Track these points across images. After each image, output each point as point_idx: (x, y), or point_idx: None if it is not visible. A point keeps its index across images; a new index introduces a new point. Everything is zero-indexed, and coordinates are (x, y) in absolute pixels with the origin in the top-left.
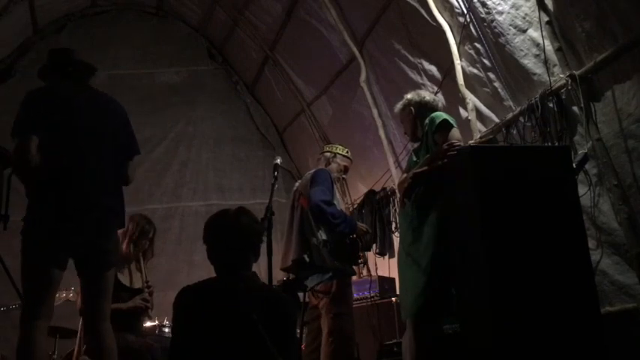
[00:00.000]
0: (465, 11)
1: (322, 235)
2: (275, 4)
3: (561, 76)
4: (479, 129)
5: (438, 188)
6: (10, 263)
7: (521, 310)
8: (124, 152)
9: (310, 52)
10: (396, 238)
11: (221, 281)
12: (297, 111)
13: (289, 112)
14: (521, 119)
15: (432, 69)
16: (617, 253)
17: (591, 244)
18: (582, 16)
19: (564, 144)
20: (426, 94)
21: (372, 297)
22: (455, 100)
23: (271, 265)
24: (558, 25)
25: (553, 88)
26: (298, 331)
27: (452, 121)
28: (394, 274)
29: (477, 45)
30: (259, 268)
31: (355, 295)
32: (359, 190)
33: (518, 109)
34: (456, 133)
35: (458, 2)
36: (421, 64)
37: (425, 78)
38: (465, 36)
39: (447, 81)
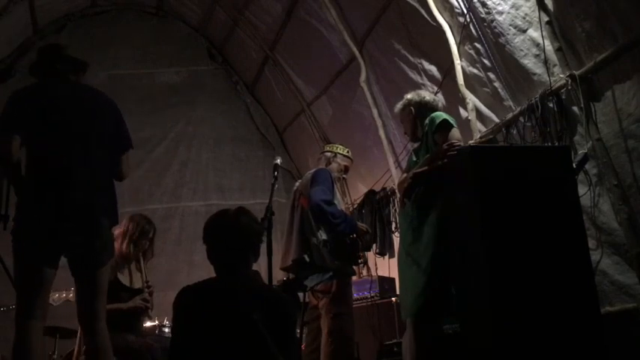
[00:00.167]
0: (465, 11)
1: (322, 235)
2: (275, 4)
3: (561, 76)
4: (479, 129)
5: (438, 188)
6: (10, 263)
7: (521, 310)
8: (116, 147)
9: (310, 52)
10: (396, 238)
11: (221, 281)
12: (297, 111)
13: (289, 112)
14: (521, 119)
15: (432, 69)
16: (617, 253)
17: (591, 244)
18: (582, 16)
19: (564, 144)
20: (426, 94)
21: (372, 297)
22: (455, 100)
23: (271, 265)
24: (558, 25)
25: (553, 88)
26: (298, 331)
27: (452, 121)
28: (394, 274)
29: (477, 45)
30: (259, 268)
31: (355, 295)
32: (359, 190)
33: (518, 109)
34: (456, 133)
35: (458, 2)
36: (421, 64)
37: (425, 78)
38: (465, 36)
39: (447, 81)
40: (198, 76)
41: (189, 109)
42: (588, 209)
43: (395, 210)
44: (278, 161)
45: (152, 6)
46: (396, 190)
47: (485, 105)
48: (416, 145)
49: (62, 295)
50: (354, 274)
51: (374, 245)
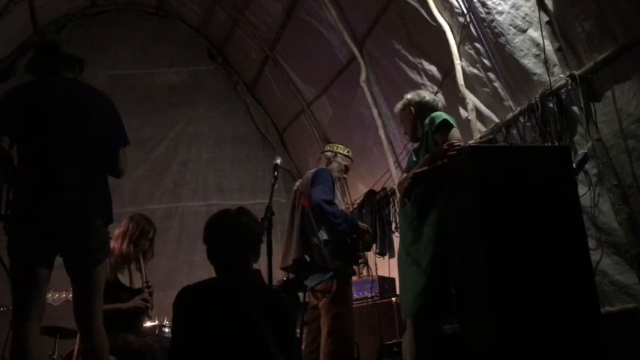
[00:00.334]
0: (465, 11)
1: (323, 235)
2: (275, 4)
3: (561, 76)
4: (479, 129)
5: (438, 188)
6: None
7: (521, 310)
8: (111, 144)
9: (310, 52)
10: (396, 238)
11: (221, 281)
12: (297, 111)
13: (289, 112)
14: (521, 119)
15: (432, 69)
16: (617, 253)
17: (591, 244)
18: (582, 16)
19: (564, 144)
20: (426, 94)
21: (372, 297)
22: (455, 100)
23: (271, 265)
24: (558, 25)
25: (553, 88)
26: (298, 331)
27: (452, 121)
28: (394, 274)
29: (477, 45)
30: (259, 268)
31: (355, 295)
32: (359, 190)
33: (518, 109)
34: (456, 133)
35: (458, 2)
36: (421, 64)
37: (425, 78)
38: (465, 36)
39: (447, 81)
40: (198, 76)
41: (189, 109)
42: (588, 209)
43: (395, 210)
44: (278, 161)
45: (152, 6)
46: (396, 190)
47: (485, 105)
48: (416, 145)
49: (62, 295)
50: (354, 274)
51: (374, 245)
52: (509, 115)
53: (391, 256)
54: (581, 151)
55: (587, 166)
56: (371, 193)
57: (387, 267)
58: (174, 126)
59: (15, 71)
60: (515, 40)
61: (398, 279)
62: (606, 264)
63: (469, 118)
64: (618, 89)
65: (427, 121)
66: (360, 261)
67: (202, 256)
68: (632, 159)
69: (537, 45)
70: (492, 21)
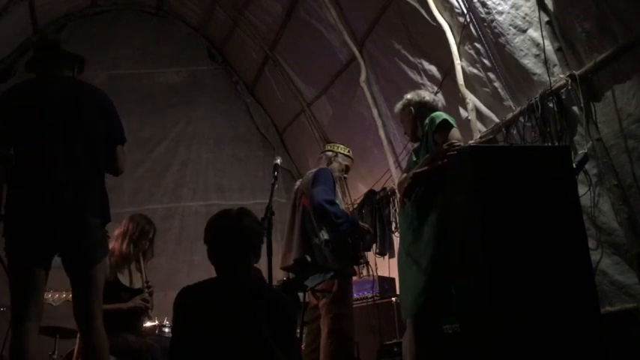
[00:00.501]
0: (465, 11)
1: (324, 235)
2: (275, 4)
3: (561, 76)
4: (479, 129)
5: (438, 188)
6: None
7: (521, 310)
8: (108, 142)
9: (310, 52)
10: (396, 238)
11: (222, 281)
12: (297, 111)
13: (289, 112)
14: (521, 119)
15: (432, 69)
16: (617, 253)
17: (591, 244)
18: (582, 16)
19: (564, 144)
20: (426, 94)
21: (372, 297)
22: (455, 100)
23: (271, 265)
24: (558, 25)
25: (553, 88)
26: (298, 331)
27: (452, 121)
28: (394, 274)
29: (477, 45)
30: (259, 268)
31: (355, 295)
32: (359, 190)
33: (518, 109)
34: (456, 133)
35: (458, 2)
36: (421, 64)
37: (425, 78)
38: (465, 36)
39: (447, 81)
40: (198, 76)
41: (189, 109)
42: (588, 209)
43: (395, 210)
44: (278, 161)
45: (152, 6)
46: (396, 190)
47: (485, 105)
48: (416, 145)
49: (62, 295)
50: (354, 274)
51: (374, 245)
52: (509, 115)
53: (391, 256)
54: (581, 151)
55: (587, 166)
56: (371, 193)
57: (387, 267)
58: (174, 126)
59: (15, 71)
60: (515, 40)
61: (398, 279)
62: (606, 264)
63: (469, 118)
64: (618, 89)
65: (427, 121)
66: (361, 261)
67: (202, 256)
68: (632, 159)
69: (537, 45)
70: (492, 21)
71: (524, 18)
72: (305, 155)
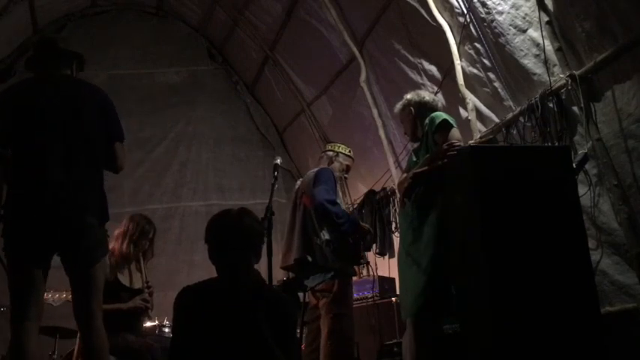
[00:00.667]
0: (465, 11)
1: (325, 235)
2: (275, 4)
3: (561, 76)
4: (479, 129)
5: (438, 188)
6: None
7: (521, 310)
8: (107, 140)
9: (310, 52)
10: (396, 238)
11: (222, 281)
12: (297, 111)
13: (289, 112)
14: (521, 119)
15: (432, 69)
16: (617, 253)
17: (591, 244)
18: (582, 16)
19: (564, 144)
20: (426, 94)
21: (372, 297)
22: (455, 100)
23: (271, 265)
24: (558, 25)
25: (553, 88)
26: (298, 331)
27: (452, 121)
28: (394, 274)
29: (477, 45)
30: (259, 268)
31: (355, 295)
32: (359, 190)
33: (518, 109)
34: (455, 133)
35: (458, 2)
36: (421, 64)
37: (425, 78)
38: (465, 36)
39: (447, 81)
40: (198, 76)
41: (189, 109)
42: (588, 209)
43: (395, 210)
44: (278, 161)
45: (152, 6)
46: (396, 190)
47: (485, 105)
48: (416, 145)
49: (62, 295)
50: (355, 274)
51: (374, 245)
52: (509, 115)
53: (391, 256)
54: (581, 151)
55: (587, 166)
56: (371, 193)
57: (387, 267)
58: (174, 126)
59: (15, 71)
60: (515, 40)
61: (398, 279)
62: (606, 264)
63: (469, 118)
64: (618, 89)
65: (427, 121)
66: (361, 261)
67: (202, 256)
68: (632, 159)
69: (537, 45)
70: (492, 21)
71: (524, 18)
72: (305, 155)
